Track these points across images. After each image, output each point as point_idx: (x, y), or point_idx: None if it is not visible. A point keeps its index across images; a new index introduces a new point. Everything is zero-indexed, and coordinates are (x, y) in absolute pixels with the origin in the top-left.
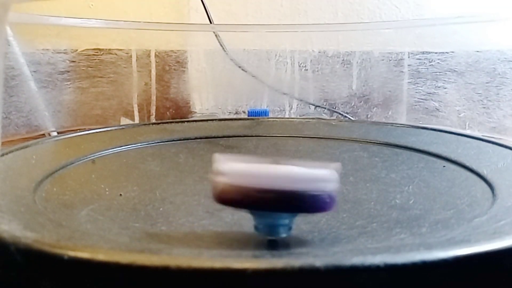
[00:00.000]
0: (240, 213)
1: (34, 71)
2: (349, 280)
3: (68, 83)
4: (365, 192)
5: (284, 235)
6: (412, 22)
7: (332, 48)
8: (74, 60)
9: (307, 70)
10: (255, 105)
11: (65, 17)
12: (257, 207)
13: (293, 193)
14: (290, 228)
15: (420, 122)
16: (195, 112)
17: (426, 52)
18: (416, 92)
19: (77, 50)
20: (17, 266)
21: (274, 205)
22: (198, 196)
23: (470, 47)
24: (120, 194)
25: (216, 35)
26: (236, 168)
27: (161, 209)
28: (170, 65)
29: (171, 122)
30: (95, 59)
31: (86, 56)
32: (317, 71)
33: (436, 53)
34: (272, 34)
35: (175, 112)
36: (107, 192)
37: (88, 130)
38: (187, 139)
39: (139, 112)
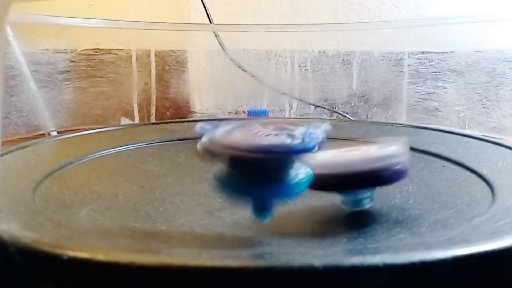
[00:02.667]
0: (239, 213)
1: (34, 71)
2: (349, 280)
3: (68, 83)
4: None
5: (368, 206)
6: (412, 22)
7: (332, 48)
8: (74, 60)
9: (307, 70)
10: (255, 105)
11: (65, 17)
12: (343, 189)
13: (371, 172)
14: (372, 199)
15: (420, 122)
16: (195, 112)
17: (426, 52)
18: (416, 92)
19: (77, 50)
20: (17, 266)
21: (356, 185)
22: (198, 196)
23: (470, 47)
24: (116, 194)
25: (216, 35)
26: (321, 160)
27: (161, 209)
28: (170, 65)
29: (171, 122)
30: (95, 59)
31: (86, 56)
32: (317, 71)
33: (436, 53)
34: (272, 34)
35: (175, 112)
36: (106, 192)
37: (88, 130)
38: (187, 139)
39: (139, 112)
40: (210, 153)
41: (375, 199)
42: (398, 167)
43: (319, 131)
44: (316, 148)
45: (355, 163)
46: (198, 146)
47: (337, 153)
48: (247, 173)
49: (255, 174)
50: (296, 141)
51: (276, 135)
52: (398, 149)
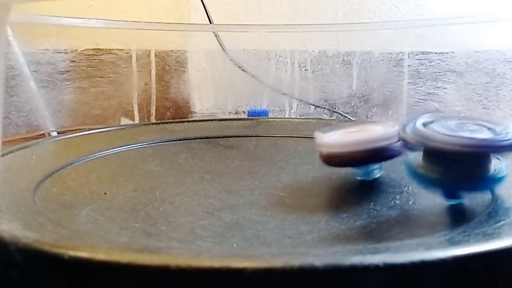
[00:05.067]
0: (239, 213)
1: (34, 71)
2: (348, 279)
3: (68, 83)
4: (364, 192)
5: (377, 176)
6: (412, 22)
7: (332, 48)
8: (74, 60)
9: (307, 70)
10: (255, 105)
11: (65, 17)
12: (356, 165)
13: (380, 149)
14: (380, 170)
15: None
16: (195, 112)
17: (426, 52)
18: (416, 92)
19: (77, 50)
20: (17, 266)
21: (367, 161)
22: (198, 196)
23: (470, 47)
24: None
25: (216, 35)
26: (336, 139)
27: (160, 209)
28: (170, 65)
29: (171, 122)
30: (95, 59)
31: (86, 56)
32: (317, 71)
33: (436, 53)
34: (272, 34)
35: (175, 112)
36: (106, 192)
37: (88, 130)
38: (187, 139)
39: (139, 112)
40: (412, 144)
41: (373, 197)
42: (400, 143)
43: None
44: None
45: (365, 142)
46: (401, 133)
47: (349, 133)
48: (443, 166)
49: (452, 168)
50: (501, 137)
51: (476, 130)
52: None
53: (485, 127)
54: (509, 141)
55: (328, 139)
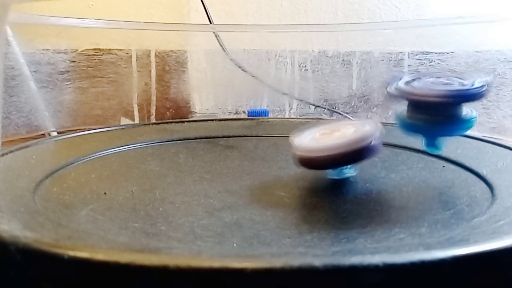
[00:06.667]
0: (239, 213)
1: (34, 71)
2: (348, 280)
3: (68, 83)
4: (364, 192)
5: (351, 175)
6: (412, 22)
7: (332, 48)
8: (74, 60)
9: (307, 70)
10: (255, 105)
11: (65, 17)
12: (329, 167)
13: (351, 152)
14: (354, 169)
15: None
16: (195, 112)
17: (426, 52)
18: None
19: (77, 50)
20: (17, 265)
21: (340, 164)
22: (198, 196)
23: (470, 47)
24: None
25: (216, 35)
26: (308, 143)
27: (160, 209)
28: (170, 65)
29: (171, 122)
30: (95, 59)
31: (86, 56)
32: (317, 71)
33: (436, 53)
34: (272, 34)
35: (175, 112)
36: (106, 192)
37: (88, 130)
38: (187, 139)
39: (139, 112)
40: (395, 97)
41: (373, 197)
42: (372, 144)
43: (484, 82)
44: (485, 94)
45: (338, 146)
46: (388, 89)
47: (322, 136)
48: (425, 114)
49: (432, 115)
50: (468, 87)
51: (449, 84)
52: (372, 128)
53: (456, 81)
54: (475, 91)
55: (302, 143)
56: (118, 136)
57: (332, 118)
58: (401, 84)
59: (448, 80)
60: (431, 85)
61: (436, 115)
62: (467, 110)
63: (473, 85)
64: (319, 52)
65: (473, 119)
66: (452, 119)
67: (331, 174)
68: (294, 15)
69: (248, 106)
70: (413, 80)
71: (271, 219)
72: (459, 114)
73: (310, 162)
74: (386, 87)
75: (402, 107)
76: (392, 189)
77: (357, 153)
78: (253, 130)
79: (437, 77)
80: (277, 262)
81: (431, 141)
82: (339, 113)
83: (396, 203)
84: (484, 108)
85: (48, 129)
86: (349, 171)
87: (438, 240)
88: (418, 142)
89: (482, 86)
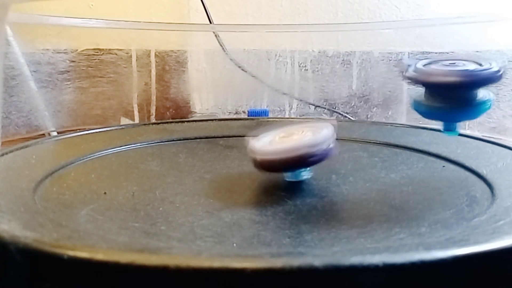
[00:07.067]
0: (239, 213)
1: (34, 71)
2: (348, 280)
3: (68, 83)
4: (364, 192)
5: (306, 177)
6: (412, 22)
7: (332, 48)
8: (74, 60)
9: (307, 70)
10: (255, 105)
11: (65, 17)
12: (285, 170)
13: (307, 155)
14: (310, 172)
15: (420, 122)
16: (195, 112)
17: (426, 52)
18: (416, 92)
19: (77, 50)
20: (17, 265)
21: (296, 167)
22: (198, 196)
23: (470, 47)
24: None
25: (216, 35)
26: (266, 146)
27: (160, 209)
28: (170, 65)
29: (171, 122)
30: (95, 59)
31: (86, 56)
32: (317, 71)
33: (436, 53)
34: (272, 34)
35: (175, 112)
36: (106, 192)
37: (88, 130)
38: (187, 139)
39: (139, 112)
40: (412, 80)
41: (373, 197)
42: (329, 147)
43: (501, 65)
44: (501, 77)
45: (294, 149)
46: (405, 73)
47: (279, 139)
48: (442, 98)
49: (449, 99)
50: (485, 70)
51: (466, 66)
52: (327, 131)
53: (473, 64)
54: (492, 73)
55: (259, 146)
56: (118, 136)
57: (332, 118)
58: (417, 68)
59: (465, 63)
60: (448, 67)
61: (454, 99)
62: (484, 92)
63: (490, 68)
64: (319, 52)
65: (489, 101)
66: (470, 103)
67: (288, 176)
68: (294, 15)
69: (248, 106)
70: (430, 63)
71: (271, 219)
72: (476, 97)
73: (267, 165)
74: (403, 72)
75: (418, 92)
76: (392, 189)
77: (313, 156)
78: (253, 130)
79: (454, 61)
80: (277, 262)
81: (449, 125)
82: (339, 113)
83: (396, 203)
84: None
85: (48, 129)
86: (306, 173)
87: (438, 240)
88: (418, 142)
89: (499, 69)
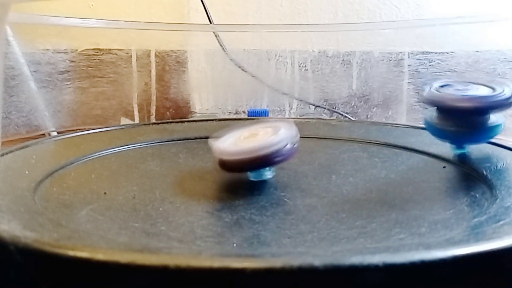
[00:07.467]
0: (239, 213)
1: (34, 71)
2: (348, 279)
3: (68, 83)
4: (364, 192)
5: (269, 177)
6: (412, 22)
7: (332, 48)
8: (74, 60)
9: (307, 70)
10: (255, 105)
11: (65, 17)
12: (248, 170)
13: (269, 155)
14: (272, 171)
15: (420, 123)
16: (195, 112)
17: (426, 52)
18: (416, 92)
19: (77, 50)
20: (17, 265)
21: (258, 167)
22: (198, 196)
23: (470, 47)
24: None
25: (216, 35)
26: (227, 147)
27: (160, 209)
28: (170, 65)
29: (171, 122)
30: (95, 59)
31: (86, 56)
32: (317, 71)
33: (436, 53)
34: (272, 34)
35: (175, 112)
36: (106, 192)
37: (88, 130)
38: (187, 139)
39: (139, 112)
40: (429, 103)
41: (373, 197)
42: (292, 146)
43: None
44: None
45: (256, 149)
46: (421, 95)
47: (242, 140)
48: (454, 121)
49: (461, 122)
50: (498, 95)
51: (479, 90)
52: (288, 131)
53: (486, 87)
54: (504, 98)
55: (221, 146)
56: (118, 136)
57: (332, 118)
58: (433, 90)
59: (478, 87)
60: (461, 92)
61: (465, 123)
62: (496, 116)
63: (502, 93)
64: (319, 52)
65: (500, 126)
66: (481, 127)
67: (251, 176)
68: (294, 15)
69: (248, 106)
70: (443, 86)
71: (271, 219)
72: (487, 121)
73: (229, 165)
74: (419, 92)
75: (431, 112)
76: (392, 189)
77: (277, 156)
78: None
79: (467, 85)
80: (277, 262)
81: (459, 146)
82: (339, 113)
83: (396, 203)
84: None
85: (48, 129)
86: (269, 173)
87: (438, 240)
88: (418, 142)
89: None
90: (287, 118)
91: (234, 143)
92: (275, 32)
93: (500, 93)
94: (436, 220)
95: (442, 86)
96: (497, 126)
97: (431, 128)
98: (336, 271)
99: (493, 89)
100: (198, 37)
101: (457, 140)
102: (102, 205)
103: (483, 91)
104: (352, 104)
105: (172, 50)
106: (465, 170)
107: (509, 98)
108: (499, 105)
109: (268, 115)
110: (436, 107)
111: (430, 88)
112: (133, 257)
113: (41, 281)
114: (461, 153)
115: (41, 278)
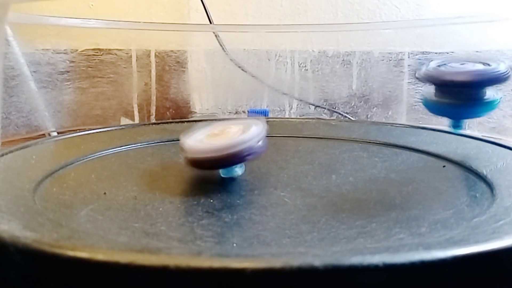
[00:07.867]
0: (239, 213)
1: (34, 71)
2: (348, 279)
3: (68, 83)
4: (364, 192)
5: (239, 174)
6: (412, 22)
7: (332, 48)
8: (74, 60)
9: (307, 70)
10: (255, 105)
11: (65, 17)
12: (218, 168)
13: (239, 152)
14: (242, 168)
15: (420, 122)
16: (195, 112)
17: (426, 52)
18: (416, 92)
19: (77, 50)
20: (17, 266)
21: (228, 164)
22: (198, 196)
23: (470, 47)
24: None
25: (216, 35)
26: (196, 145)
27: (160, 209)
28: (170, 65)
29: (171, 122)
30: (95, 59)
31: (86, 56)
32: (317, 71)
33: (436, 53)
34: (272, 34)
35: (175, 112)
36: (106, 192)
37: (88, 130)
38: None
39: (139, 112)
40: (424, 81)
41: (373, 197)
42: (261, 143)
43: (508, 66)
44: (509, 77)
45: (225, 147)
46: (417, 74)
47: (210, 137)
48: (451, 96)
49: (458, 97)
50: (494, 70)
51: (474, 65)
52: (257, 128)
53: (482, 64)
54: (500, 73)
55: (191, 144)
56: (118, 136)
57: (332, 118)
58: (429, 68)
59: (474, 64)
60: (458, 69)
61: (462, 98)
62: (492, 92)
63: (498, 68)
64: (319, 52)
65: (497, 100)
66: (477, 102)
67: (223, 173)
68: (294, 15)
69: (248, 106)
70: (440, 65)
71: (271, 219)
72: (483, 96)
73: (199, 163)
74: (415, 73)
75: (429, 90)
76: (392, 189)
77: (243, 153)
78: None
79: (463, 63)
80: (277, 262)
81: (456, 122)
82: (339, 113)
83: (396, 203)
84: None
85: (48, 129)
86: (239, 170)
87: (438, 240)
88: (418, 142)
89: (507, 70)
90: (287, 118)
91: (202, 140)
92: (275, 32)
93: (495, 67)
94: (436, 220)
95: (439, 66)
96: (493, 101)
97: (428, 104)
98: (336, 271)
99: (489, 64)
100: (198, 37)
101: (454, 114)
102: (102, 205)
103: (479, 67)
104: (352, 104)
105: (172, 50)
106: (465, 170)
107: (504, 72)
108: (495, 78)
109: (268, 115)
110: (433, 84)
111: (427, 67)
112: (133, 257)
113: (41, 281)
114: (460, 131)
115: (41, 278)
